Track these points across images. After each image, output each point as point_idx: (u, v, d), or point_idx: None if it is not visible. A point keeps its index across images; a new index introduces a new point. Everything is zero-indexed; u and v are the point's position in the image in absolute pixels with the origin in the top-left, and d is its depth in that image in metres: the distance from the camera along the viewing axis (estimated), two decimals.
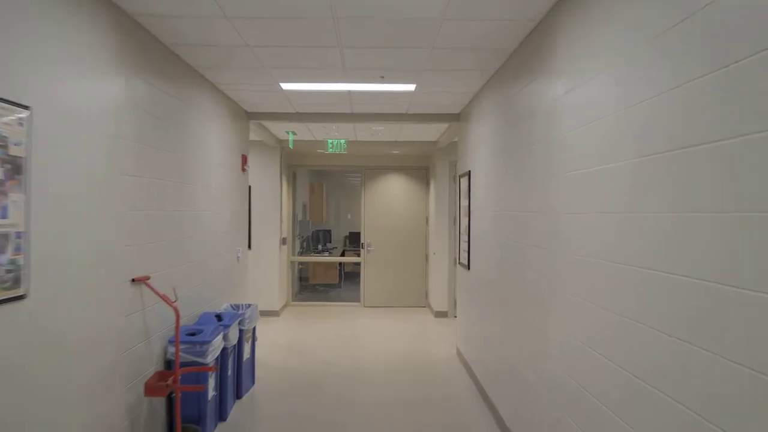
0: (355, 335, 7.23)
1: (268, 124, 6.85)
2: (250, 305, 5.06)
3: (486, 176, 4.68)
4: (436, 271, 8.44)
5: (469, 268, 5.44)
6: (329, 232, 12.81)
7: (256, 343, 5.62)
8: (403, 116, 6.13)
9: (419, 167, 9.50)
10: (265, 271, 8.41)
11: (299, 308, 9.17)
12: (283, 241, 8.80)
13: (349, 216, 13.74)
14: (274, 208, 8.47)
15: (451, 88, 4.93)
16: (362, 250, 9.44)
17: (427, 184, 9.42)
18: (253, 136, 7.57)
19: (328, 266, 11.17)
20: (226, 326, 4.18)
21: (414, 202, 9.47)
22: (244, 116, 6.03)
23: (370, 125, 6.89)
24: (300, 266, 11.29)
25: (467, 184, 5.53)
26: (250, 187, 8.38)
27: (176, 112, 3.97)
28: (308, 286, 11.42)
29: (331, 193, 13.78)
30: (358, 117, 6.13)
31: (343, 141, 8.04)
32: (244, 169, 5.94)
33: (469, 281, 5.45)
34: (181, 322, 4.08)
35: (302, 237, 11.40)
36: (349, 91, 5.07)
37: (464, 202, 5.77)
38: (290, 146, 7.68)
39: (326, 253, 11.51)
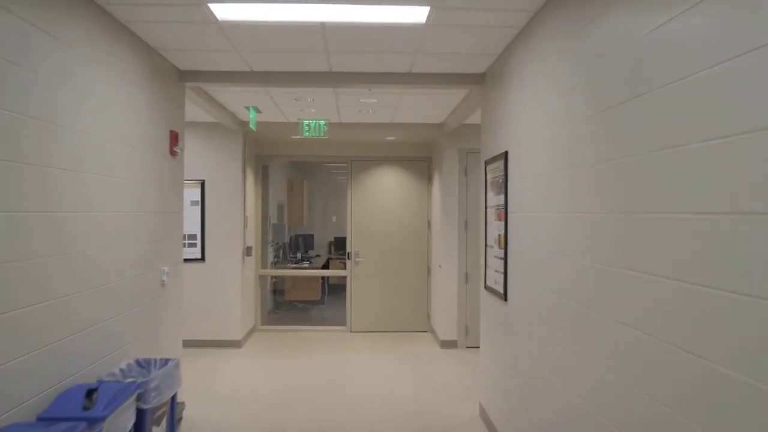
0: (338, 380, 5.36)
1: (216, 91, 4.98)
2: (167, 361, 3.21)
3: (544, 157, 2.87)
4: (442, 289, 6.61)
5: (505, 299, 3.62)
6: (311, 237, 10.95)
7: (184, 412, 3.76)
8: (404, 77, 4.30)
9: (420, 158, 7.66)
10: (223, 290, 6.53)
11: (270, 335, 7.28)
12: (248, 251, 6.92)
13: (334, 218, 11.90)
14: (236, 209, 6.60)
15: (486, 16, 3.10)
16: (349, 262, 7.59)
17: (430, 179, 7.59)
18: (206, 116, 5.74)
19: (308, 278, 9.30)
20: (96, 419, 2.33)
21: (413, 200, 7.63)
22: (176, 76, 4.18)
23: (358, 95, 5.06)
24: (274, 279, 9.41)
25: (502, 173, 3.71)
26: (203, 182, 6.54)
27: (34, 50, 2.13)
28: (284, 303, 9.54)
29: (313, 191, 11.91)
30: (340, 78, 4.29)
31: (322, 122, 6.20)
32: (173, 152, 4.09)
33: (506, 318, 3.63)
34: (27, 408, 2.22)
35: (277, 244, 9.52)
36: (323, 24, 3.23)
37: (495, 200, 3.94)
38: (252, 127, 5.82)
39: (306, 263, 9.64)
